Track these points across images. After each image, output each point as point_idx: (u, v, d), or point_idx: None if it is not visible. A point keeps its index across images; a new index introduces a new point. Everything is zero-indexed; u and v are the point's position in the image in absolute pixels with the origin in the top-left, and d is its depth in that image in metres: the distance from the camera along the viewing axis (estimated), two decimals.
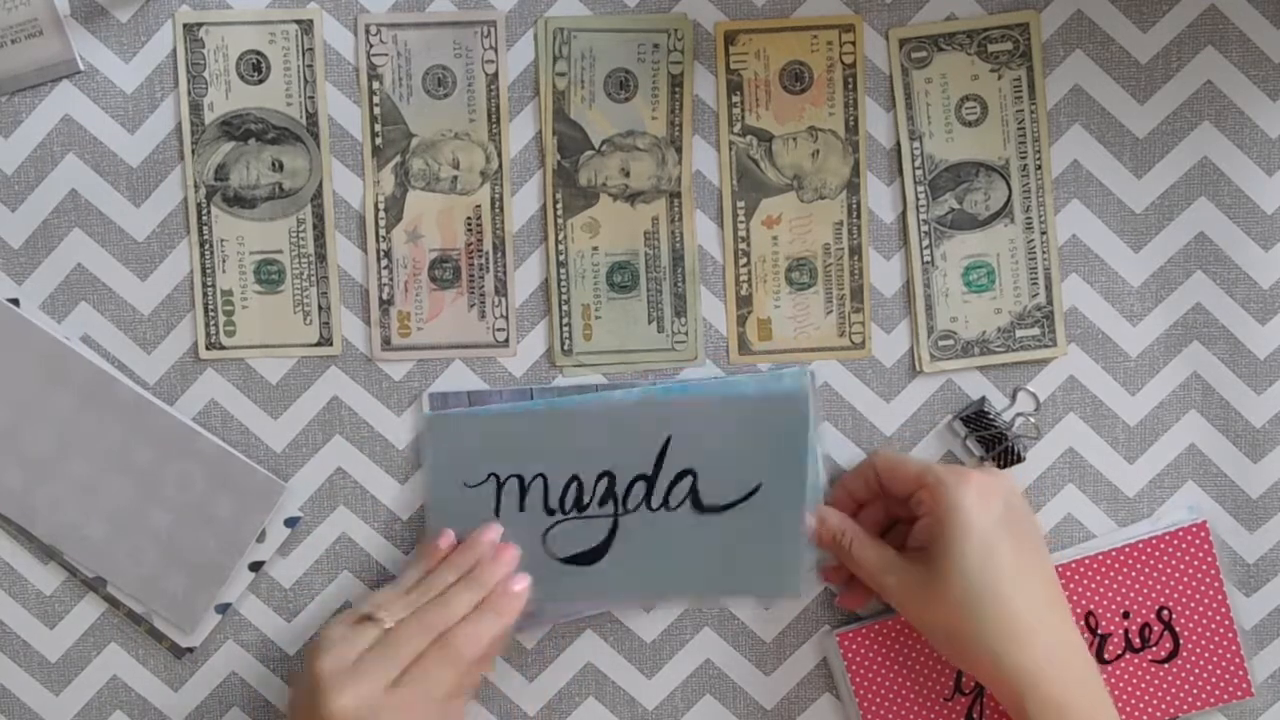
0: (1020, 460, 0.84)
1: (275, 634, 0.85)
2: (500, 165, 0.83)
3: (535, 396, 0.83)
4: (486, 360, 0.84)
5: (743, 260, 0.84)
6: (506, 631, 0.78)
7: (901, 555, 0.79)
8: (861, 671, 0.84)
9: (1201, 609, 0.84)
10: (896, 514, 0.83)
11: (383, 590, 0.79)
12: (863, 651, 0.84)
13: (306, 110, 0.82)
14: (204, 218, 0.83)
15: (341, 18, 0.82)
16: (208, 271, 0.83)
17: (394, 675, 0.74)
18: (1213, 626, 0.84)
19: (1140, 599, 0.84)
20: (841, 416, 0.85)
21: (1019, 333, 0.84)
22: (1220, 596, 0.84)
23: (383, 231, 0.83)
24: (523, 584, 0.79)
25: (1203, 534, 0.84)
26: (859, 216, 0.84)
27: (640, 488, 0.82)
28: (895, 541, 0.82)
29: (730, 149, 0.83)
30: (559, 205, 0.83)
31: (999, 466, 0.84)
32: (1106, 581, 0.84)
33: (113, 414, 0.82)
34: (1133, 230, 0.84)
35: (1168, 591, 0.84)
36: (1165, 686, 0.84)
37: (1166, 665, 0.84)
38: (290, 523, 0.84)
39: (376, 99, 0.83)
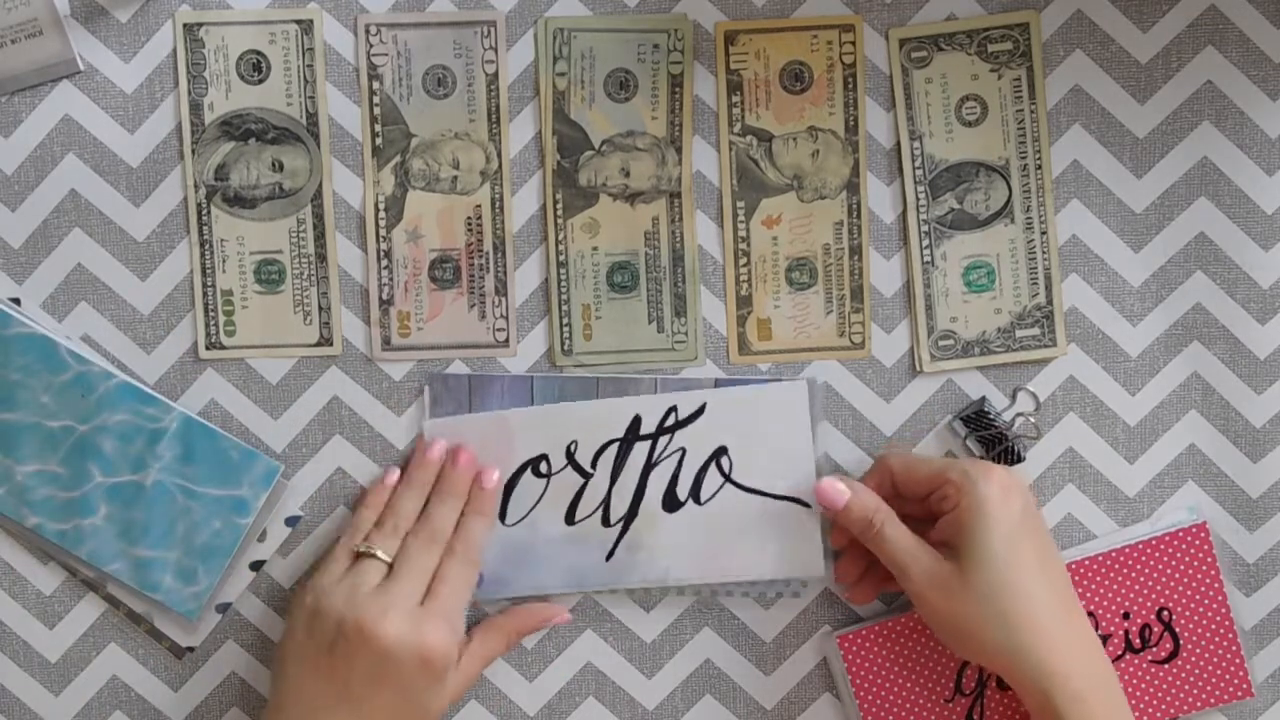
0: (1020, 460, 0.84)
1: (275, 634, 0.85)
2: (500, 165, 0.83)
3: (535, 386, 0.83)
4: (486, 360, 0.84)
5: (743, 260, 0.84)
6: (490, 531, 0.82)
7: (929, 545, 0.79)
8: (861, 672, 0.84)
9: (1201, 609, 0.84)
10: (911, 513, 0.82)
11: (350, 533, 0.80)
12: (863, 652, 0.84)
13: (306, 110, 0.82)
14: (204, 218, 0.83)
15: (341, 18, 0.82)
16: (208, 271, 0.83)
17: (421, 592, 0.78)
18: (1213, 627, 0.84)
19: (1140, 599, 0.84)
20: (841, 416, 0.85)
21: (1019, 333, 0.84)
22: (1220, 597, 0.84)
23: (383, 231, 0.83)
24: (492, 478, 0.82)
25: (1203, 534, 0.84)
26: (859, 216, 0.84)
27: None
28: None
29: (730, 149, 0.83)
30: (559, 205, 0.83)
31: None
32: (1106, 582, 0.84)
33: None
34: (1133, 230, 0.84)
35: (1167, 592, 0.84)
36: (1165, 687, 0.84)
37: (1166, 666, 0.84)
38: (291, 522, 0.84)
39: (376, 99, 0.83)
